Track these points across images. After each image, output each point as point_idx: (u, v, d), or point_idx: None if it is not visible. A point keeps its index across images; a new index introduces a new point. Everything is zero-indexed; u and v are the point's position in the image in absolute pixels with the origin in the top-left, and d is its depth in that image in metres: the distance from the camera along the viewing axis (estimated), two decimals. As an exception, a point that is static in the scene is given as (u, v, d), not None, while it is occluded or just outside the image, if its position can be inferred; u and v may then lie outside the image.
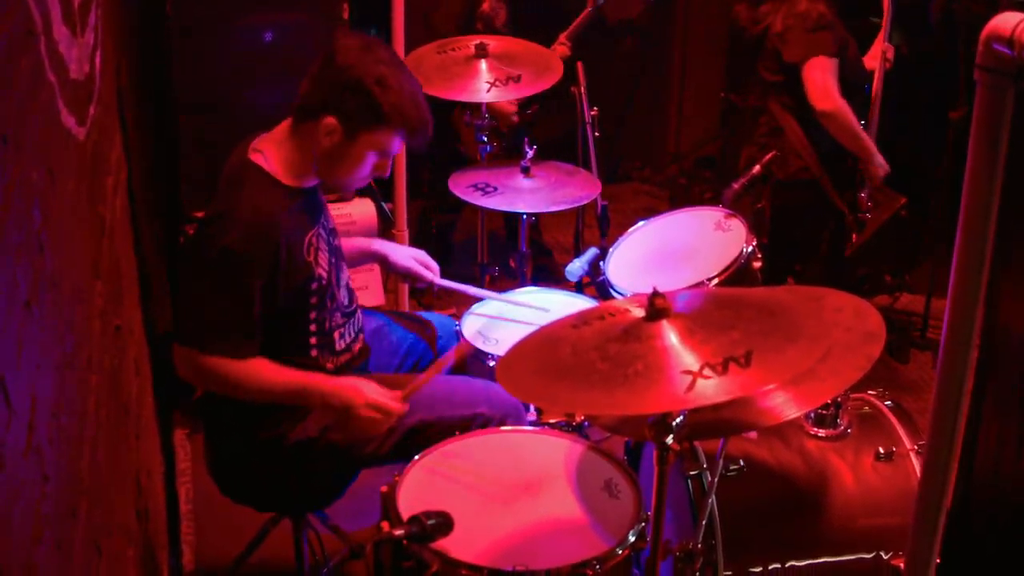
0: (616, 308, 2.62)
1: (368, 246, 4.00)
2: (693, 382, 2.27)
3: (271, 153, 3.38)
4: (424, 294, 6.16)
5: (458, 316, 4.18)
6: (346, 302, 3.59)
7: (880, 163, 5.14)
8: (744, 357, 2.30)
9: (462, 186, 4.56)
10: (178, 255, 5.03)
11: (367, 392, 3.35)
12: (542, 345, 2.64)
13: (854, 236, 5.31)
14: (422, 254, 4.01)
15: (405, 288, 5.40)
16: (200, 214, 4.73)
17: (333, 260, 3.51)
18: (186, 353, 3.29)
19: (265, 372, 3.32)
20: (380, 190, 5.44)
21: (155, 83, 4.99)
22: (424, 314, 4.22)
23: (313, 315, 3.44)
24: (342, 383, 3.40)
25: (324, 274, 3.43)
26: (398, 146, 3.40)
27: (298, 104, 3.36)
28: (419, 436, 3.43)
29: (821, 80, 4.95)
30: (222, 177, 3.42)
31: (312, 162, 3.37)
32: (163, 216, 5.07)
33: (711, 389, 2.25)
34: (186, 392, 4.95)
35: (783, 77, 5.13)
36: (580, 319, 2.64)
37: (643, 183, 8.52)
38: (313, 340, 3.47)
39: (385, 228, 5.47)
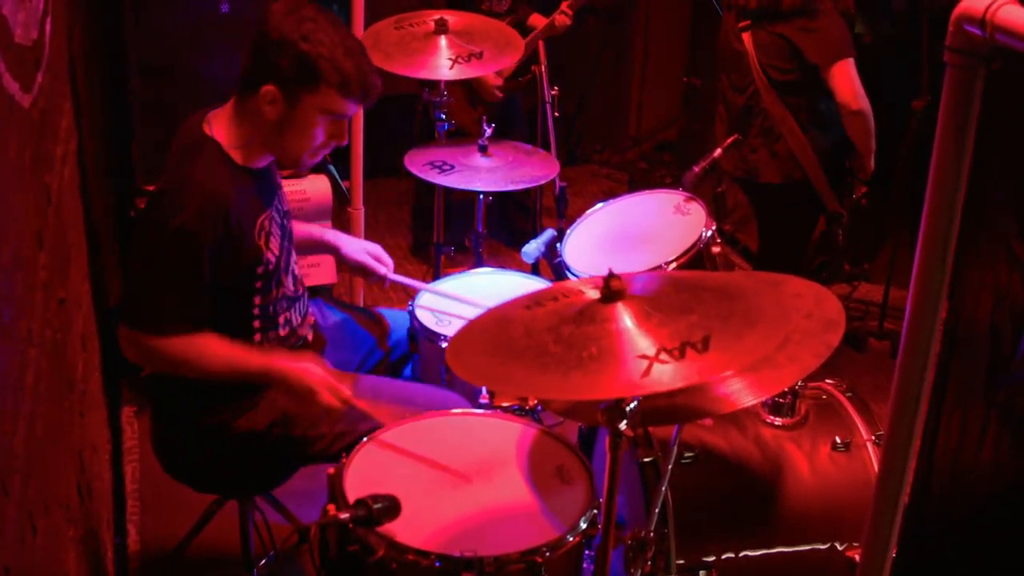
0: (570, 289, 2.57)
1: (321, 236, 3.90)
2: (649, 367, 2.22)
3: (222, 130, 3.29)
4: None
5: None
6: (291, 287, 3.52)
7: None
8: (702, 342, 2.26)
9: (418, 164, 4.50)
10: (130, 228, 4.95)
11: (324, 375, 3.28)
12: (494, 326, 2.59)
13: (840, 234, 5.30)
14: (376, 248, 3.93)
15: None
16: (152, 188, 4.68)
17: (285, 245, 3.45)
18: (136, 336, 3.19)
19: (218, 350, 3.25)
20: (338, 167, 5.37)
21: (109, 51, 4.91)
22: (379, 309, 4.16)
23: (257, 299, 3.37)
24: (298, 365, 3.29)
25: (273, 259, 3.36)
26: (348, 107, 3.25)
27: (239, 79, 3.26)
28: None
29: (853, 81, 4.95)
30: (174, 149, 3.33)
31: (261, 139, 3.28)
32: (115, 187, 4.99)
33: (667, 375, 2.21)
34: (135, 369, 4.90)
35: (798, 75, 5.08)
36: (533, 300, 2.60)
37: (602, 166, 8.50)
38: (256, 324, 3.41)
39: (341, 206, 5.41)
